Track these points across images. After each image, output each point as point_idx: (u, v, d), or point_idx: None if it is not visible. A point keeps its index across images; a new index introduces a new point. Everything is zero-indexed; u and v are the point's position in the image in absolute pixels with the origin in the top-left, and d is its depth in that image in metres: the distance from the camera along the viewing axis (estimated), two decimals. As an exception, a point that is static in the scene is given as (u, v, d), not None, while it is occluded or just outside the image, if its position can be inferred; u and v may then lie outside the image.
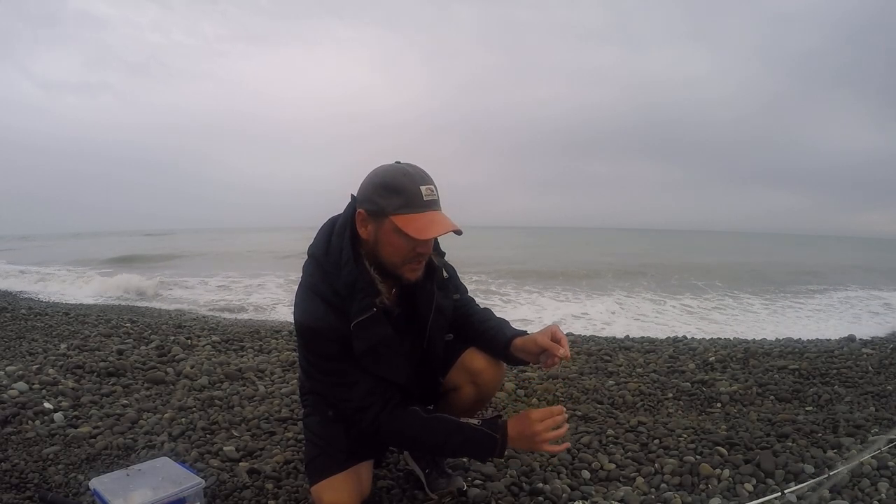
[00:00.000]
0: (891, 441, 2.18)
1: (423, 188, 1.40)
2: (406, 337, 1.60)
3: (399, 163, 1.46)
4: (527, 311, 8.42)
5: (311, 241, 1.58)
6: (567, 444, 1.73)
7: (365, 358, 1.47)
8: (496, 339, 1.66)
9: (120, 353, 3.74)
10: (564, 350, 1.48)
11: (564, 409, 1.53)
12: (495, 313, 1.78)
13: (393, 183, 1.40)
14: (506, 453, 2.13)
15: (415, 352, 1.64)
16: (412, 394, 1.64)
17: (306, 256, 1.57)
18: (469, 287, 1.84)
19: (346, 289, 1.44)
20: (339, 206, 1.60)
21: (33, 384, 2.92)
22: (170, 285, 11.26)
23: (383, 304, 1.50)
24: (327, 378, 1.54)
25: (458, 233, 1.42)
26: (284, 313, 7.52)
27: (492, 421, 1.53)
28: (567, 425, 1.54)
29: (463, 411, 1.77)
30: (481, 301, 1.82)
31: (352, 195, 1.52)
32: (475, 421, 1.52)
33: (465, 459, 2.11)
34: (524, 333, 1.63)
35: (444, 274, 1.67)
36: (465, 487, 1.89)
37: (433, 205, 1.42)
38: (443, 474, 1.90)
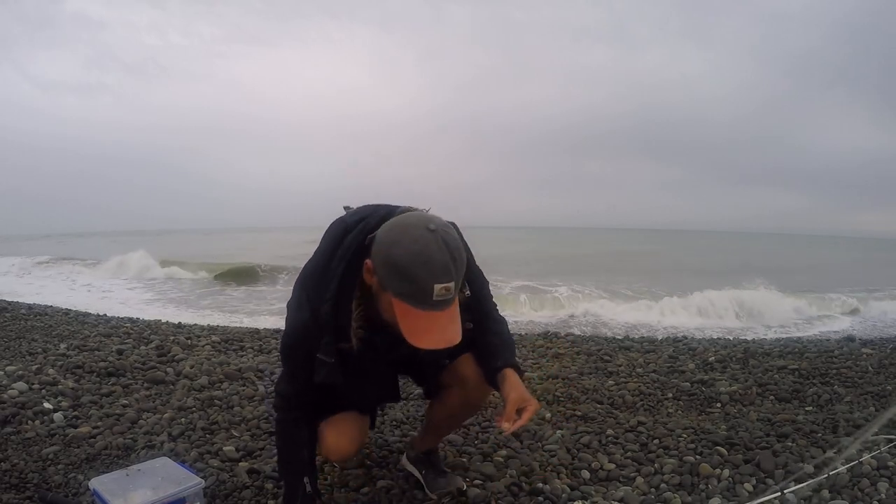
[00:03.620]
0: (890, 441, 2.18)
1: (437, 287, 1.21)
2: (394, 352, 1.51)
3: (433, 231, 1.23)
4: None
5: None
6: None
7: (321, 386, 1.46)
8: (489, 361, 1.60)
9: (120, 352, 3.73)
10: (508, 426, 1.42)
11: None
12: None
13: (407, 269, 1.21)
14: (505, 453, 2.15)
15: (402, 365, 1.68)
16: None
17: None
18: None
19: (326, 316, 1.39)
20: (338, 207, 1.57)
21: (33, 384, 2.92)
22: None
23: (349, 351, 1.42)
24: (284, 356, 1.60)
25: (453, 346, 1.29)
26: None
27: (309, 499, 1.56)
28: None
29: (450, 415, 1.82)
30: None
31: (372, 231, 1.34)
32: (309, 488, 1.55)
33: (464, 459, 2.12)
34: (513, 368, 1.56)
35: (466, 292, 1.48)
36: (465, 487, 1.89)
37: (441, 305, 1.24)
38: (441, 473, 1.90)
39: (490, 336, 1.62)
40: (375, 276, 1.29)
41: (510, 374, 1.54)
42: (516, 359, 1.62)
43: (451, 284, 1.23)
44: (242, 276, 12.51)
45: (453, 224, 1.37)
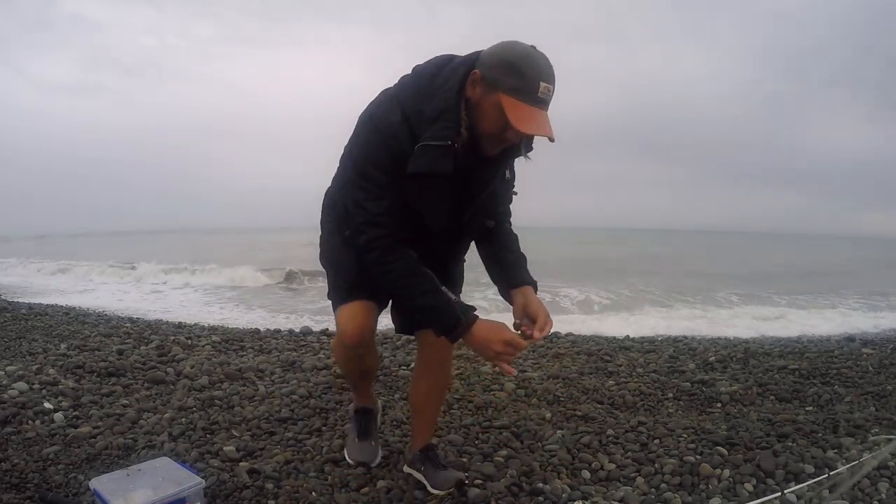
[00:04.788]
0: (889, 439, 2.18)
1: (542, 85, 1.37)
2: (451, 197, 1.59)
3: (535, 48, 1.41)
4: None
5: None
6: (514, 371, 1.80)
7: (413, 182, 1.48)
8: (505, 276, 1.70)
9: (120, 352, 3.74)
10: (539, 335, 1.54)
11: (526, 346, 1.57)
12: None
13: (518, 64, 1.37)
14: (505, 454, 2.15)
15: (452, 217, 1.64)
16: (435, 253, 1.68)
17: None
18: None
19: (434, 112, 1.44)
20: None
21: (33, 384, 2.92)
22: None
23: (457, 146, 1.47)
24: (362, 182, 1.53)
25: (552, 140, 1.43)
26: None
27: (466, 306, 1.56)
28: (523, 348, 1.56)
29: (427, 387, 1.96)
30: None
31: (477, 53, 1.48)
32: (453, 296, 1.56)
33: (464, 459, 2.12)
34: (528, 284, 1.67)
35: (507, 174, 1.66)
36: (465, 479, 1.89)
37: (543, 103, 1.40)
38: (440, 468, 1.91)
39: (504, 252, 1.73)
40: (480, 84, 1.41)
41: (529, 292, 1.65)
42: (529, 273, 1.72)
43: (551, 87, 1.39)
44: (290, 278, 11.91)
45: None
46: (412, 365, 3.30)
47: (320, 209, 1.88)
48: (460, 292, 1.86)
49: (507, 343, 1.50)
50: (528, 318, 1.60)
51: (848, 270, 16.79)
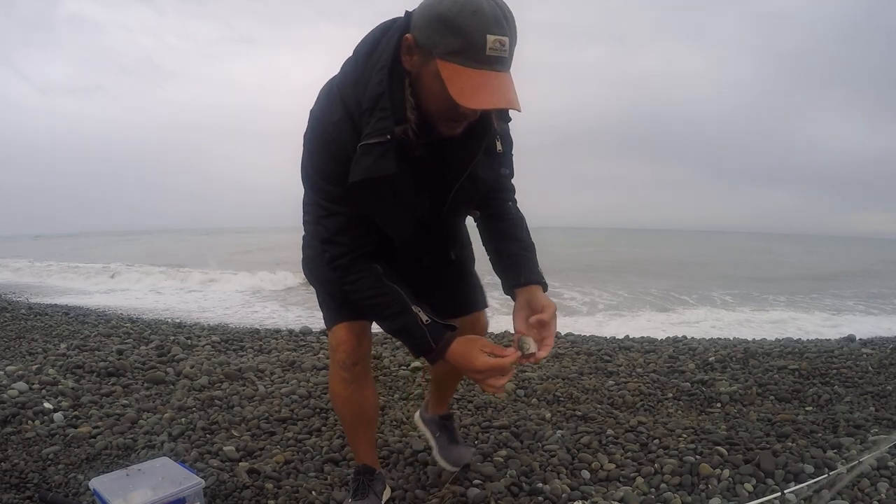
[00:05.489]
0: (892, 442, 2.18)
1: (491, 38, 1.06)
2: (422, 191, 1.35)
3: None
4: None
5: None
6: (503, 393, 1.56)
7: (355, 190, 1.24)
8: (510, 273, 1.45)
9: (120, 353, 3.74)
10: (544, 354, 1.32)
11: (516, 357, 1.31)
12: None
13: (453, 19, 1.06)
14: (505, 454, 2.15)
15: (425, 211, 1.40)
16: (416, 260, 1.49)
17: None
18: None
19: (370, 101, 1.19)
20: None
21: (33, 384, 2.92)
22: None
23: (404, 136, 1.22)
24: (315, 196, 1.36)
25: (516, 110, 1.15)
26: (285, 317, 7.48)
27: (439, 328, 1.35)
28: (510, 374, 1.35)
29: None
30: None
31: (407, 12, 1.21)
32: (425, 317, 1.34)
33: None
34: (536, 283, 1.42)
35: (498, 146, 1.38)
36: (470, 461, 1.91)
37: (497, 63, 1.08)
38: (453, 441, 1.91)
39: (507, 242, 1.48)
40: (416, 51, 1.15)
41: (536, 293, 1.41)
42: (539, 268, 1.47)
43: (506, 38, 1.08)
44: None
45: None
46: (412, 365, 3.30)
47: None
48: (471, 284, 1.70)
49: (483, 372, 1.29)
50: (534, 325, 1.36)
51: (848, 270, 16.79)
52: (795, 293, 10.69)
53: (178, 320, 6.13)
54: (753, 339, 5.29)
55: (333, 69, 1.33)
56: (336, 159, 1.25)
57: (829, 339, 5.30)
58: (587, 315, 7.73)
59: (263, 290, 10.32)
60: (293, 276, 10.90)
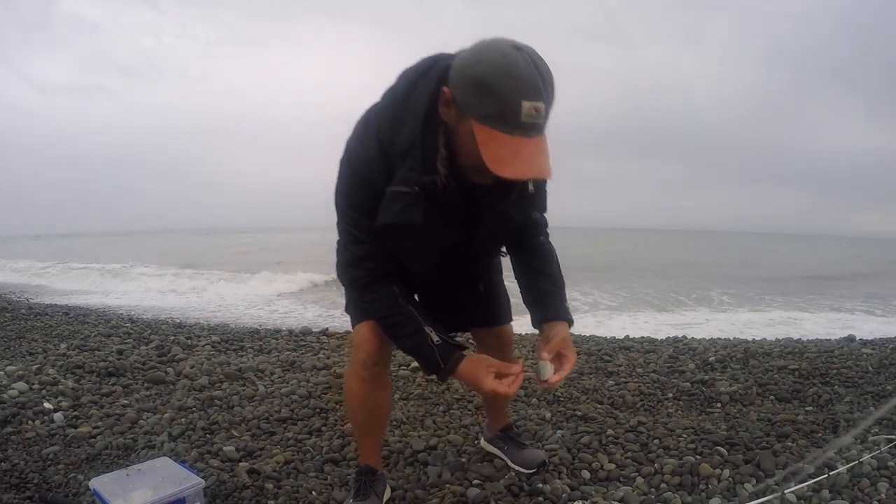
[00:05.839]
0: (890, 441, 2.18)
1: (526, 105, 1.06)
2: (451, 230, 1.42)
3: (519, 49, 1.08)
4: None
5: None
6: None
7: (384, 233, 1.33)
8: (538, 307, 1.52)
9: (120, 353, 3.74)
10: (557, 379, 1.38)
11: (522, 369, 1.40)
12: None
13: (489, 84, 1.07)
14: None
15: (455, 245, 1.47)
16: (438, 280, 1.57)
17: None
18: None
19: (402, 147, 1.24)
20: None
21: (33, 384, 2.92)
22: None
23: (433, 185, 1.26)
24: (345, 223, 1.43)
25: (546, 178, 1.22)
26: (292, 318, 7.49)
27: (449, 348, 1.42)
28: (520, 378, 1.41)
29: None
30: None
31: (447, 55, 1.23)
32: (436, 338, 1.41)
33: (463, 459, 2.12)
34: (563, 319, 1.49)
35: (530, 186, 1.41)
36: (547, 459, 2.02)
37: (532, 129, 1.10)
38: (521, 446, 2.02)
39: (537, 278, 1.54)
40: (453, 107, 1.16)
41: (561, 329, 1.46)
42: (567, 304, 1.54)
43: (541, 105, 1.08)
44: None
45: None
46: (412, 365, 3.30)
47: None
48: (500, 297, 1.79)
49: (493, 390, 1.35)
50: (555, 356, 1.43)
51: (849, 271, 16.79)
52: (796, 293, 10.69)
53: (178, 320, 6.14)
54: (753, 339, 5.29)
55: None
56: (367, 194, 1.31)
57: (829, 339, 5.30)
58: (587, 315, 7.73)
59: (285, 291, 10.25)
60: (307, 277, 10.96)
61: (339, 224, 1.51)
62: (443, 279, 1.61)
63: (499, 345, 1.84)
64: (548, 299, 1.52)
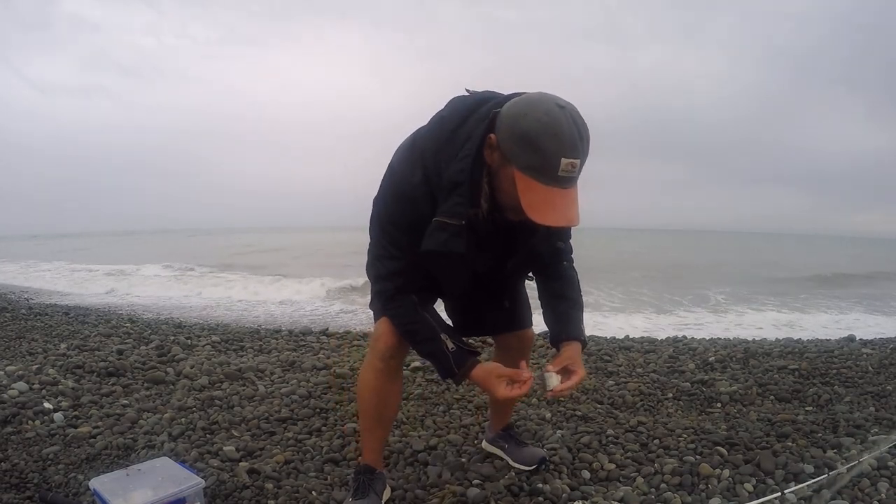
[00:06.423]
0: (892, 442, 2.18)
1: (564, 162, 1.20)
2: (486, 252, 1.54)
3: (562, 108, 1.22)
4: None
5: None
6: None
7: (425, 256, 1.41)
8: (555, 327, 1.64)
9: (120, 352, 3.74)
10: (562, 388, 1.48)
11: (531, 377, 1.48)
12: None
13: (535, 140, 1.20)
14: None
15: (488, 269, 1.60)
16: (469, 302, 1.75)
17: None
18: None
19: (450, 182, 1.34)
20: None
21: (33, 384, 2.92)
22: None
23: (475, 217, 1.39)
24: (380, 236, 1.54)
25: (573, 226, 1.34)
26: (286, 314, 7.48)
27: (463, 354, 1.52)
28: (530, 381, 1.49)
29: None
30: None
31: (501, 104, 1.32)
32: (451, 345, 1.51)
33: (463, 459, 2.12)
34: (577, 339, 1.60)
35: None
36: (548, 457, 2.06)
37: (566, 182, 1.24)
38: (521, 444, 2.06)
39: (558, 300, 1.66)
40: (498, 151, 1.29)
41: (574, 349, 1.57)
42: (583, 326, 1.66)
43: (577, 162, 1.22)
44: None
45: None
46: (412, 365, 3.30)
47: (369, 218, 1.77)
48: (522, 303, 1.87)
49: (505, 396, 1.46)
50: (565, 370, 1.53)
51: (849, 271, 16.78)
52: (796, 293, 10.69)
53: (178, 320, 6.14)
54: (753, 339, 5.29)
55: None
56: (407, 215, 1.43)
57: (829, 339, 5.30)
58: (587, 315, 7.71)
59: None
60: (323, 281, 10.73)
61: (372, 230, 1.62)
62: (472, 296, 1.72)
63: (521, 347, 1.92)
64: (566, 320, 1.64)
